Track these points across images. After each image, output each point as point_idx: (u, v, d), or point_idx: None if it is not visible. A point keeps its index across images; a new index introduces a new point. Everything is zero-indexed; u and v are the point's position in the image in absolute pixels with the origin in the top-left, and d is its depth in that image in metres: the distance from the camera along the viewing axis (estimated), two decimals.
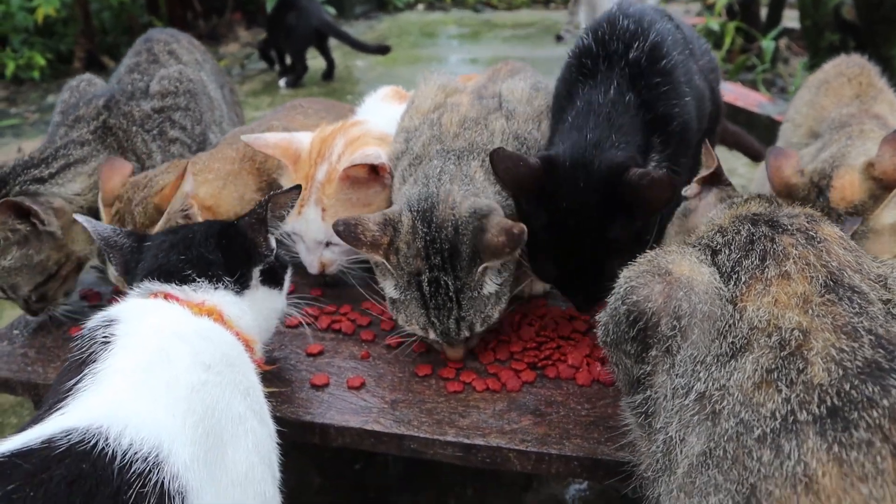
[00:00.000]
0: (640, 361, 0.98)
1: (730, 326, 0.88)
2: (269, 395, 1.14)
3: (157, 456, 0.78)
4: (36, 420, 0.84)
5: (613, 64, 1.41)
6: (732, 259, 0.96)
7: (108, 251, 1.19)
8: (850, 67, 1.79)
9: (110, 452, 0.75)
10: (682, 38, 1.61)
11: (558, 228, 1.30)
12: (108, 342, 0.93)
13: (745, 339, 0.85)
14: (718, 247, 1.00)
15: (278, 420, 1.18)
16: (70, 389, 0.86)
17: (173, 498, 0.77)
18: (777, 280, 0.90)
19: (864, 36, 3.58)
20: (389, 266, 1.31)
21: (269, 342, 1.34)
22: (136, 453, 0.76)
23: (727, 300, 0.91)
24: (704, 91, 1.66)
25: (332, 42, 5.38)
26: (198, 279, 1.13)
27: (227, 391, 0.96)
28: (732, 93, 3.87)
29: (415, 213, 1.31)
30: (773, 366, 0.80)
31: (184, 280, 1.12)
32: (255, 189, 1.67)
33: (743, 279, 0.92)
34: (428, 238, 1.28)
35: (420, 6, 8.82)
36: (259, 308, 1.22)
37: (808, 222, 0.98)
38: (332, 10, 7.07)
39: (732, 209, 1.09)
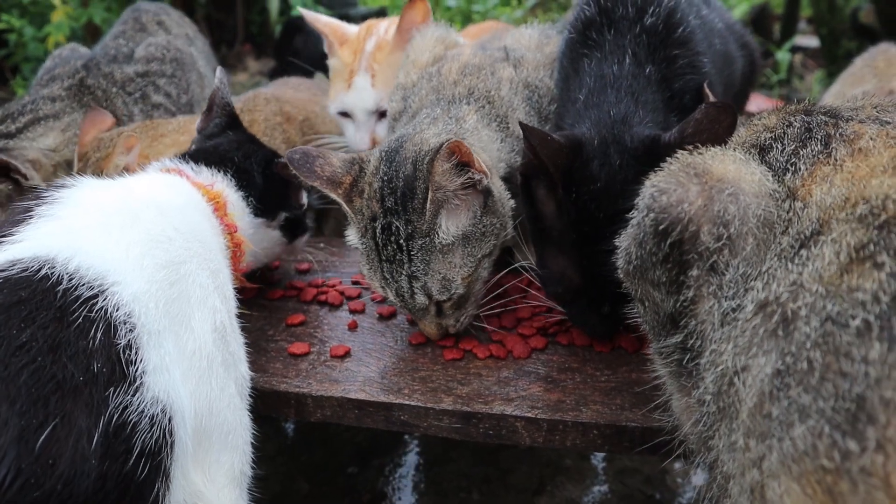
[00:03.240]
0: (675, 290, 0.79)
1: (790, 221, 0.71)
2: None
3: (101, 283, 0.77)
4: None
5: (624, 31, 1.23)
6: (787, 152, 0.79)
7: (206, 112, 1.27)
8: None
9: (55, 276, 0.75)
10: None
11: (587, 219, 1.06)
12: (71, 187, 0.93)
13: (817, 223, 0.68)
14: (768, 143, 0.83)
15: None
16: (22, 219, 0.86)
17: (118, 326, 0.75)
18: (851, 157, 0.73)
19: (884, 39, 3.46)
20: (350, 211, 1.14)
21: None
22: (82, 278, 0.76)
23: (783, 197, 0.74)
24: (732, 51, 1.50)
25: None
26: (229, 177, 1.18)
27: (194, 259, 0.93)
28: (750, 101, 3.75)
29: (383, 153, 1.15)
30: (866, 239, 0.62)
31: (215, 167, 1.17)
32: None
33: (803, 167, 0.76)
34: (386, 178, 1.11)
35: None
36: (262, 238, 1.25)
37: (877, 111, 0.82)
38: None
39: (775, 112, 0.92)
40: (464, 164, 1.06)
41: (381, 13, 7.71)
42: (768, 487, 0.60)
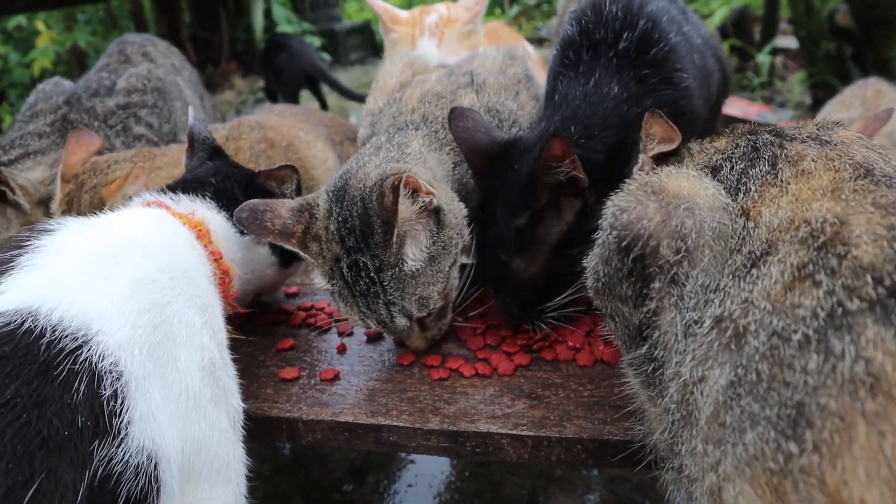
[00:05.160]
0: (640, 303, 0.83)
1: (744, 238, 0.75)
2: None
3: (85, 333, 0.76)
4: None
5: (599, 55, 1.28)
6: (737, 171, 0.83)
7: (188, 150, 1.30)
8: None
9: (38, 329, 0.74)
10: (678, 11, 1.50)
11: (486, 207, 1.22)
12: (53, 232, 0.91)
13: (766, 243, 0.72)
14: (719, 163, 0.87)
15: None
16: (3, 270, 0.84)
17: (103, 377, 0.74)
18: (795, 179, 0.77)
19: (861, 40, 3.51)
20: (309, 257, 1.15)
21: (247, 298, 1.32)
22: (65, 330, 0.75)
23: (737, 214, 0.78)
24: (710, 66, 1.54)
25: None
26: (208, 200, 1.17)
27: (180, 298, 0.92)
28: (732, 106, 3.79)
29: (330, 195, 1.16)
30: (806, 260, 0.67)
31: (193, 193, 1.16)
32: None
33: (753, 188, 0.80)
34: (340, 219, 1.12)
35: None
36: (251, 259, 1.23)
37: (818, 129, 0.87)
38: (327, 57, 7.13)
39: (725, 135, 0.96)
40: (415, 190, 1.08)
41: (365, 26, 7.73)
42: (724, 490, 0.65)
